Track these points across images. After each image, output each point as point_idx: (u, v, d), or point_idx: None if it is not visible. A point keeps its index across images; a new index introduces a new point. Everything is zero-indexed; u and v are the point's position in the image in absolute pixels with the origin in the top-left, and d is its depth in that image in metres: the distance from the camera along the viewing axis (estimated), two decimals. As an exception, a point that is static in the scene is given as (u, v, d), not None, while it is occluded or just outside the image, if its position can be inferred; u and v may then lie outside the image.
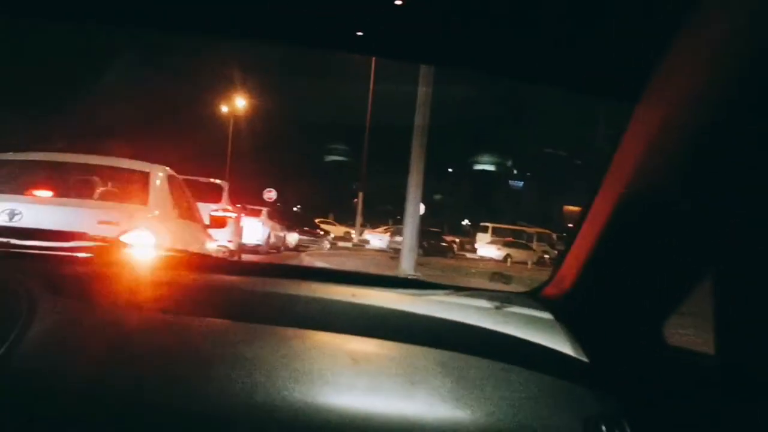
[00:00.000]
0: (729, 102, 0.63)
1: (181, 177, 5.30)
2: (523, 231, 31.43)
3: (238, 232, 9.62)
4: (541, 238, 29.85)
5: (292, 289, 1.01)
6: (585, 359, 0.87)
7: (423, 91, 11.28)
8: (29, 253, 1.15)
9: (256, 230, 13.89)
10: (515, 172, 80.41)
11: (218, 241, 6.40)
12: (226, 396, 0.64)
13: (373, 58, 25.27)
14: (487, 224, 31.10)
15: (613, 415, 0.75)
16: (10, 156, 4.55)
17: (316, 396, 0.68)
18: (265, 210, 16.39)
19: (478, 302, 1.07)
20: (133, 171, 4.54)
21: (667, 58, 0.72)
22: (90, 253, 1.20)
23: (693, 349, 0.93)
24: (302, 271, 1.58)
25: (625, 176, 0.85)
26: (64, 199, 4.12)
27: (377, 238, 26.69)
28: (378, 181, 36.20)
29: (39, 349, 0.62)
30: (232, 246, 8.45)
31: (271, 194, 22.53)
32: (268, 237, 15.01)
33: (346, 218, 31.58)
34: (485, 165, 78.61)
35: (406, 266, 11.08)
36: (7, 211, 3.57)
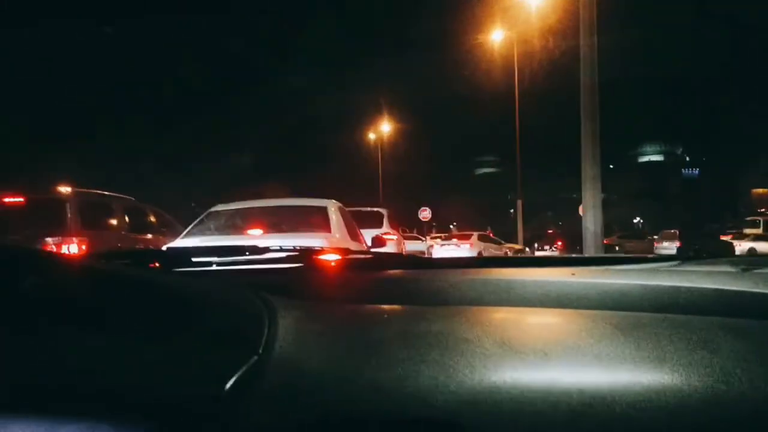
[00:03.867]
0: None
1: (347, 209, 6.45)
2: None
3: (401, 251, 11.56)
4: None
5: (505, 275, 1.02)
6: None
7: (587, 44, 9.65)
8: (254, 269, 1.31)
9: (464, 251, 20.18)
10: (687, 159, 72.67)
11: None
12: (476, 373, 0.61)
13: (515, 54, 24.15)
14: (757, 218, 22.79)
15: None
16: (227, 206, 5.88)
17: (582, 372, 0.61)
18: (476, 234, 21.81)
19: (719, 268, 1.02)
20: (315, 207, 5.83)
21: None
22: (315, 262, 1.36)
23: None
24: (513, 261, 1.64)
25: None
26: (274, 234, 5.28)
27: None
28: (533, 188, 34.47)
29: (288, 344, 0.67)
30: None
31: (425, 213, 22.42)
32: (479, 254, 19.52)
33: (503, 230, 30.26)
34: (651, 156, 71.83)
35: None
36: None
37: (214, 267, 1.31)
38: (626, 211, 44.83)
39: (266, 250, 1.37)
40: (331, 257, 1.37)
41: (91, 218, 8.12)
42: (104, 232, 8.39)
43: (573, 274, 0.97)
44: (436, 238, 18.94)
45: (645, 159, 72.47)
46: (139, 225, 9.22)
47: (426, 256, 10.79)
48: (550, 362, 0.62)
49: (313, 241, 4.66)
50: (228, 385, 0.57)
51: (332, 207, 5.67)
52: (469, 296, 0.95)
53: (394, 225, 12.10)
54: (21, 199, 7.72)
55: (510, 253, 22.15)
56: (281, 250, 1.39)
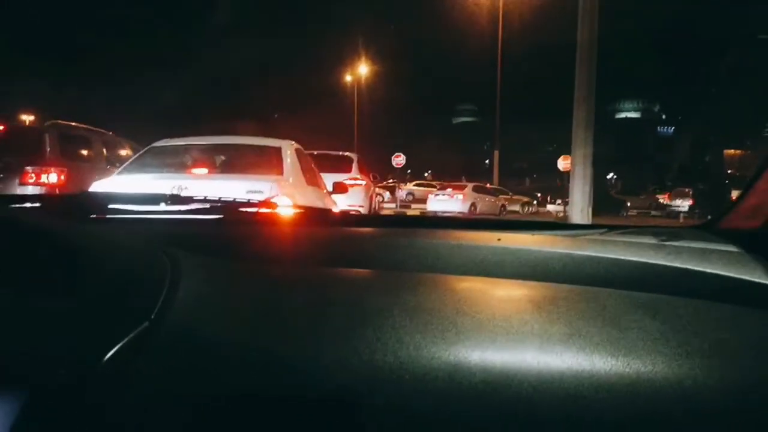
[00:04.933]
0: None
1: (315, 152, 6.15)
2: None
3: (369, 197, 11.04)
4: None
5: (430, 237, 0.98)
6: None
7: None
8: (173, 219, 1.22)
9: (456, 202, 19.55)
10: (664, 117, 73.33)
11: (350, 206, 7.71)
12: (383, 346, 0.58)
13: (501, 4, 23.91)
14: None
15: None
16: (171, 141, 5.41)
17: (489, 348, 0.58)
18: (470, 185, 21.21)
19: (642, 239, 0.98)
20: (268, 147, 5.33)
21: None
22: (237, 216, 1.31)
23: None
24: (442, 221, 1.57)
25: None
26: (220, 174, 5.05)
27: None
28: (509, 139, 34.71)
29: (187, 309, 0.62)
30: (363, 210, 9.83)
31: (399, 159, 22.58)
32: (471, 206, 19.64)
33: (478, 179, 30.62)
34: (629, 113, 72.26)
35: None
36: (177, 186, 4.14)
37: (130, 216, 1.19)
38: (601, 168, 45.58)
39: (190, 199, 1.27)
40: (259, 210, 1.29)
41: (70, 149, 8.24)
42: (83, 163, 8.53)
43: (498, 240, 0.94)
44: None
45: (622, 116, 72.96)
46: (118, 159, 9.35)
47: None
48: (459, 336, 0.59)
49: (262, 184, 4.41)
50: (108, 355, 0.51)
51: (288, 148, 5.21)
52: (393, 259, 0.91)
53: (364, 171, 11.23)
54: (1, 127, 7.79)
55: (512, 207, 22.23)
56: (205, 200, 1.28)
